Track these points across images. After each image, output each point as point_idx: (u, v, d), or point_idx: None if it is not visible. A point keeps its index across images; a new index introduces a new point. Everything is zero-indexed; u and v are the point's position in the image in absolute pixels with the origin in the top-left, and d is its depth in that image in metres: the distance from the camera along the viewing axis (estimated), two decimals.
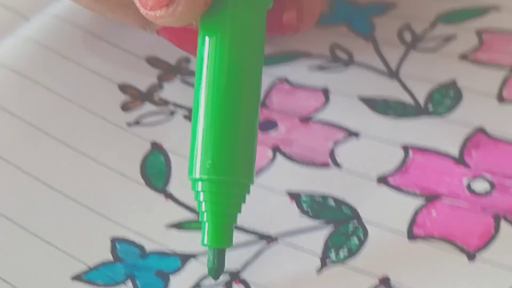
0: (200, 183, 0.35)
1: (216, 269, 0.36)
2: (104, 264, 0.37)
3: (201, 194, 0.35)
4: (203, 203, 0.35)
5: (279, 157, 0.42)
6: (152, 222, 0.39)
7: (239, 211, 0.36)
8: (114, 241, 0.38)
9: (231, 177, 0.35)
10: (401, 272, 0.36)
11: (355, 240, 0.38)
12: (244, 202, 0.36)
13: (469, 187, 0.40)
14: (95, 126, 0.44)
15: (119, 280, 0.37)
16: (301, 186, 0.40)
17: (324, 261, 0.37)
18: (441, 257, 0.37)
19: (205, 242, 0.35)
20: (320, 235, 0.38)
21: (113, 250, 0.38)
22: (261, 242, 0.38)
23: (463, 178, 0.40)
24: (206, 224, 0.35)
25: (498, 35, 0.48)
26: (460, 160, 0.41)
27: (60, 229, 0.39)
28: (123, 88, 0.47)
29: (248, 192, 0.36)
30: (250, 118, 0.36)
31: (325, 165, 0.42)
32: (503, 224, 0.38)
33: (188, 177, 0.35)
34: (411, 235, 0.38)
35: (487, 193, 0.39)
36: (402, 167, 0.41)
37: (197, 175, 0.35)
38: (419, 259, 0.37)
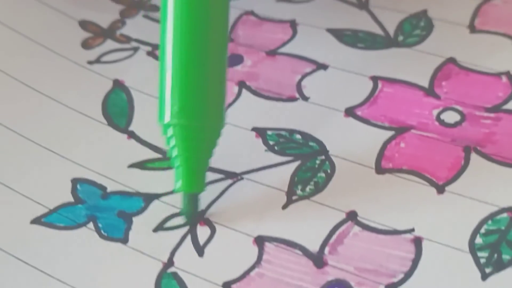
0: (170, 128, 0.34)
1: (190, 213, 0.35)
2: (64, 206, 0.36)
3: (172, 139, 0.34)
4: (175, 149, 0.34)
5: (244, 92, 0.41)
6: (114, 162, 0.38)
7: (211, 155, 0.35)
8: (75, 182, 0.37)
9: (202, 122, 0.34)
10: (368, 206, 0.35)
11: (322, 175, 0.37)
12: (215, 146, 0.35)
13: (439, 118, 0.39)
14: (55, 64, 0.43)
15: (80, 222, 0.36)
16: (267, 121, 0.39)
17: (290, 196, 0.36)
18: (410, 190, 0.36)
19: (178, 187, 0.34)
20: (286, 171, 0.37)
21: (74, 191, 0.37)
22: (225, 180, 0.37)
23: (433, 109, 0.39)
24: (178, 170, 0.34)
25: None
26: (430, 91, 0.40)
27: (18, 171, 0.38)
28: (84, 24, 0.45)
29: (219, 136, 0.35)
30: (219, 59, 0.35)
31: (292, 98, 0.40)
32: (474, 156, 0.37)
33: (158, 122, 0.34)
34: (379, 169, 0.37)
35: (457, 124, 0.38)
36: (371, 98, 0.40)
37: (167, 120, 0.34)
38: (387, 192, 0.36)
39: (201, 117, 0.34)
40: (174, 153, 0.34)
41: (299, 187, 0.36)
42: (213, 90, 0.35)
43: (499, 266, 0.32)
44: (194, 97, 0.34)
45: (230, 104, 0.40)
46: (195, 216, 0.35)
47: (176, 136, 0.34)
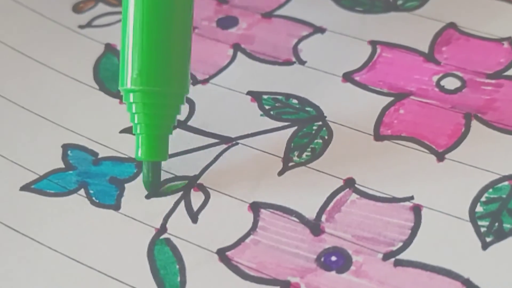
0: (131, 94, 0.33)
1: (151, 182, 0.34)
2: (54, 172, 0.35)
3: (134, 105, 0.33)
4: (136, 115, 0.33)
5: (239, 55, 0.40)
6: (105, 128, 0.37)
7: (174, 122, 0.34)
8: (65, 148, 0.37)
9: (163, 88, 0.33)
10: (367, 173, 0.34)
11: (319, 141, 0.36)
12: (179, 113, 0.33)
13: (439, 84, 0.38)
14: (45, 29, 0.42)
15: (71, 189, 0.35)
16: (263, 85, 0.38)
17: (286, 163, 0.35)
18: (409, 157, 0.35)
19: (139, 155, 0.33)
20: (282, 136, 0.36)
21: (65, 157, 0.36)
22: (220, 145, 0.36)
23: (433, 75, 0.38)
24: (140, 137, 0.33)
25: None
26: (430, 57, 0.39)
27: (7, 138, 0.37)
28: None
29: (183, 103, 0.33)
30: (183, 22, 0.34)
31: (288, 62, 0.39)
32: (474, 123, 0.36)
33: (119, 87, 0.33)
34: (377, 135, 0.36)
35: (457, 91, 0.37)
36: (369, 63, 0.39)
37: (128, 85, 0.33)
38: (386, 160, 0.35)
39: (162, 82, 0.33)
40: (136, 119, 0.33)
41: (296, 153, 0.35)
42: (175, 54, 0.33)
43: (500, 235, 0.32)
44: (155, 61, 0.33)
45: (224, 67, 0.39)
46: (157, 186, 0.34)
47: (136, 102, 0.33)
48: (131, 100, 0.33)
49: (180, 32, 0.33)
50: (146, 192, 0.35)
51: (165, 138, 0.34)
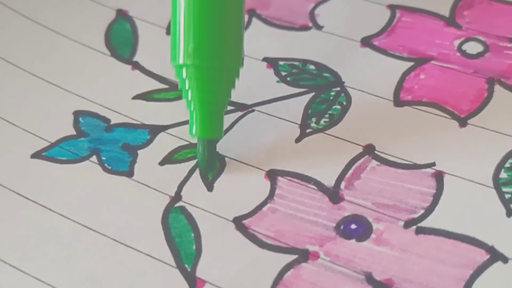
0: (184, 69, 0.32)
1: (207, 161, 0.33)
2: (66, 139, 0.34)
3: (187, 81, 0.32)
4: (190, 91, 0.32)
5: (255, 21, 0.39)
6: (117, 94, 0.36)
7: (229, 97, 0.33)
8: (77, 114, 0.36)
9: (218, 62, 0.32)
10: (387, 140, 0.33)
11: (337, 107, 0.35)
12: (234, 87, 0.32)
13: (460, 49, 0.37)
14: None
15: (83, 155, 0.34)
16: (279, 51, 0.37)
17: (304, 129, 0.34)
18: (430, 123, 0.34)
19: (194, 132, 0.32)
20: (299, 103, 0.35)
21: (76, 124, 0.35)
22: (235, 112, 0.35)
23: (455, 40, 0.37)
24: (194, 114, 0.32)
25: None
26: (451, 21, 0.38)
27: (17, 105, 0.36)
28: None
29: (238, 76, 0.32)
30: None
31: (305, 27, 0.38)
32: (497, 88, 0.35)
33: (171, 63, 0.32)
34: (397, 101, 0.35)
35: (479, 55, 0.36)
36: (388, 28, 0.38)
37: (180, 61, 0.32)
38: (406, 126, 0.34)
39: (216, 57, 0.32)
40: (189, 96, 0.32)
41: (313, 120, 0.34)
42: (229, 26, 0.32)
43: None
44: (208, 35, 0.32)
45: None
46: (212, 164, 0.33)
47: (190, 78, 0.32)
48: (184, 76, 0.32)
49: (233, 3, 0.32)
50: (159, 159, 0.34)
51: (220, 114, 0.32)
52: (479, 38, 0.37)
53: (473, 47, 0.37)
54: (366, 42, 0.38)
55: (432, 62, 0.36)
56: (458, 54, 0.37)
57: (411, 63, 0.36)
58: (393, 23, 0.38)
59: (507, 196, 0.31)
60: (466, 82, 0.35)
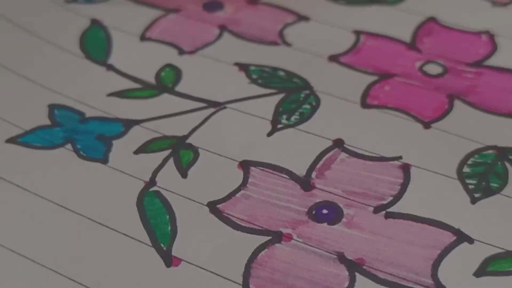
0: None
1: None
2: (41, 128, 0.35)
3: None
4: None
5: (226, 34, 0.40)
6: (92, 91, 0.37)
7: None
8: (52, 107, 0.36)
9: None
10: (355, 135, 0.35)
11: (307, 106, 0.36)
12: None
13: (421, 69, 0.38)
14: (32, 0, 0.42)
15: (58, 143, 0.34)
16: (250, 60, 0.39)
17: (275, 124, 0.35)
18: (396, 123, 0.35)
19: None
20: (270, 102, 0.36)
21: (51, 115, 0.36)
22: (208, 108, 0.36)
23: (416, 61, 0.39)
24: None
25: None
26: (412, 46, 0.40)
27: None
28: None
29: None
30: None
31: (274, 43, 0.40)
32: (457, 102, 0.37)
33: None
34: (364, 104, 0.36)
35: (440, 76, 0.38)
36: (354, 49, 0.40)
37: None
38: (373, 124, 0.35)
39: None
40: None
41: (284, 116, 0.36)
42: None
43: (488, 192, 0.32)
44: None
45: (211, 43, 0.39)
46: None
47: None
48: None
49: None
50: (134, 149, 0.34)
51: None
52: (439, 61, 0.39)
53: (433, 69, 0.39)
54: (334, 58, 0.39)
55: (396, 78, 0.38)
56: (419, 73, 0.38)
57: (376, 77, 0.38)
58: (358, 45, 0.40)
59: (470, 186, 0.32)
60: (427, 95, 0.37)
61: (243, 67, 0.38)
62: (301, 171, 0.33)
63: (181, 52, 0.39)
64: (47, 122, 0.35)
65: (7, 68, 0.38)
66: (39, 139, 0.35)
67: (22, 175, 0.33)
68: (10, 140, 0.35)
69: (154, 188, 0.33)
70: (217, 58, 0.38)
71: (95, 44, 0.39)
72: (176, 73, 0.38)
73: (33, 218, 0.31)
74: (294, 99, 0.36)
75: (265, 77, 0.37)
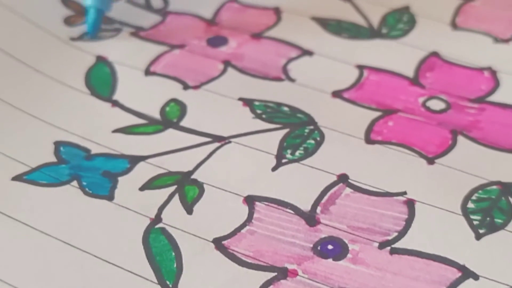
0: None
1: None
2: (47, 165, 0.35)
3: None
4: None
5: (230, 69, 0.41)
6: (97, 127, 0.37)
7: None
8: (57, 144, 0.36)
9: None
10: (360, 170, 0.35)
11: (311, 141, 0.36)
12: None
13: (424, 105, 0.39)
14: (37, 37, 0.42)
15: (63, 180, 0.35)
16: (254, 95, 0.39)
17: (280, 159, 0.35)
18: (400, 159, 0.36)
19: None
20: (274, 137, 0.37)
21: (57, 152, 0.36)
22: (213, 143, 0.36)
23: (419, 97, 0.39)
24: None
25: None
26: (415, 81, 0.40)
27: None
28: (66, 2, 0.45)
29: None
30: None
31: (278, 79, 0.40)
32: (461, 138, 0.37)
33: None
34: (368, 140, 0.37)
35: (443, 111, 0.38)
36: (357, 84, 0.40)
37: None
38: (377, 160, 0.35)
39: None
40: None
41: (289, 151, 0.36)
42: None
43: (493, 227, 0.32)
44: None
45: (215, 78, 0.40)
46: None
47: None
48: None
49: None
50: (139, 185, 0.35)
51: None
52: (442, 97, 0.39)
53: (436, 104, 0.39)
54: (337, 94, 0.39)
55: (399, 113, 0.38)
56: (422, 109, 0.39)
57: (380, 113, 0.38)
58: (361, 80, 0.40)
59: (475, 222, 0.33)
60: (431, 131, 0.37)
61: (248, 102, 0.38)
62: (306, 206, 0.33)
63: (186, 86, 0.39)
64: (52, 159, 0.36)
65: (12, 106, 0.38)
66: (45, 176, 0.35)
67: (28, 213, 0.33)
68: (16, 178, 0.35)
69: (160, 225, 0.33)
70: (221, 93, 0.39)
71: (100, 80, 0.40)
72: (181, 108, 0.38)
73: (38, 255, 0.32)
74: (298, 134, 0.37)
75: (269, 112, 0.38)
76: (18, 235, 0.32)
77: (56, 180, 0.35)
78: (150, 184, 0.35)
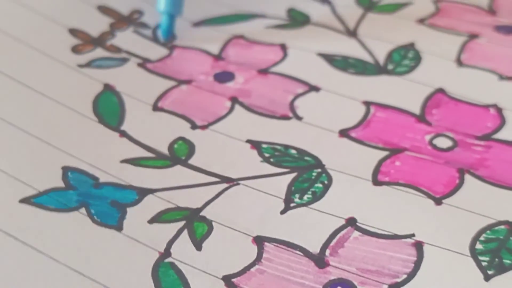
0: None
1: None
2: (55, 190, 0.35)
3: None
4: None
5: (237, 107, 0.41)
6: (106, 156, 0.37)
7: None
8: (65, 169, 0.36)
9: None
10: (367, 213, 0.35)
11: (319, 185, 0.36)
12: None
13: (431, 143, 0.39)
14: (46, 65, 0.42)
15: (72, 206, 0.34)
16: (262, 136, 0.39)
17: (288, 203, 0.35)
18: (408, 200, 0.36)
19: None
20: (282, 181, 0.37)
21: (65, 178, 0.36)
22: (221, 184, 0.36)
23: (426, 135, 0.39)
24: None
25: (453, 3, 0.48)
26: (421, 118, 0.40)
27: (7, 156, 0.37)
28: (74, 32, 0.45)
29: None
30: None
31: (285, 117, 0.40)
32: (468, 177, 0.37)
33: None
34: (376, 181, 0.37)
35: (449, 149, 0.39)
36: (364, 121, 0.40)
37: None
38: (385, 202, 0.36)
39: None
40: None
41: (297, 195, 0.36)
42: None
43: (502, 269, 0.33)
44: None
45: (223, 117, 0.40)
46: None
47: None
48: None
49: None
50: (148, 218, 0.35)
51: None
52: (448, 134, 0.39)
53: (443, 142, 0.39)
54: (344, 133, 0.40)
55: (406, 152, 0.38)
56: (429, 147, 0.39)
57: (387, 152, 0.38)
58: (368, 117, 0.40)
59: (484, 263, 0.33)
60: (438, 170, 0.38)
61: (255, 144, 0.38)
62: (315, 249, 0.33)
63: (194, 126, 0.39)
64: (60, 184, 0.36)
65: (21, 129, 0.38)
66: (53, 201, 0.35)
67: (35, 236, 0.33)
68: (24, 200, 0.35)
69: (169, 260, 0.33)
70: (229, 134, 0.39)
71: (108, 109, 0.40)
72: (189, 146, 0.38)
73: (45, 279, 0.32)
74: (306, 178, 0.37)
75: (277, 155, 0.38)
76: (25, 257, 0.32)
77: (65, 206, 0.35)
78: (159, 218, 0.35)
